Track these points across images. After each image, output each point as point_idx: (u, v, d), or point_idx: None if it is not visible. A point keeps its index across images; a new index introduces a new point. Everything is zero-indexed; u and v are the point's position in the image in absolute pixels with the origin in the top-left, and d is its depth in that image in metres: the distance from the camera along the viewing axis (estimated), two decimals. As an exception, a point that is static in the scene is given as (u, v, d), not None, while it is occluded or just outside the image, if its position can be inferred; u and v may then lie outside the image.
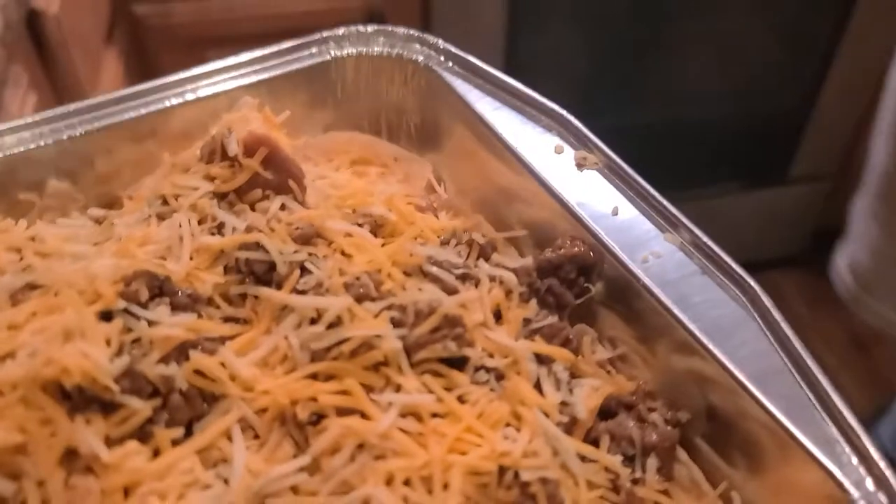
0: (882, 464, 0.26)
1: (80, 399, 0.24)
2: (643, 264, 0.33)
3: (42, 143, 0.39)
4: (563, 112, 0.40)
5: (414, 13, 1.12)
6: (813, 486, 0.27)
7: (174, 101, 0.41)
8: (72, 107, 0.40)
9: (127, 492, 0.24)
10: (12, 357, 0.25)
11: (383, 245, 0.33)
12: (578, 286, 0.34)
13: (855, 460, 0.27)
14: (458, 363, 0.29)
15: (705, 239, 0.33)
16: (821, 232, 1.12)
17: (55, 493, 0.23)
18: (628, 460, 0.29)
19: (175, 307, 0.28)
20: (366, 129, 0.44)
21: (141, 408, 0.25)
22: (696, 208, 0.40)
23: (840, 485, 0.26)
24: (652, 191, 0.36)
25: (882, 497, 0.26)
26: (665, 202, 0.35)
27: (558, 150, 0.38)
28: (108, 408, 0.25)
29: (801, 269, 1.26)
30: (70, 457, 0.24)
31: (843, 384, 0.98)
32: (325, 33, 0.44)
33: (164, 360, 0.26)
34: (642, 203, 0.36)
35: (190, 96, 0.41)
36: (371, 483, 0.25)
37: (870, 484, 0.26)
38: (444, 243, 0.35)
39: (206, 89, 0.41)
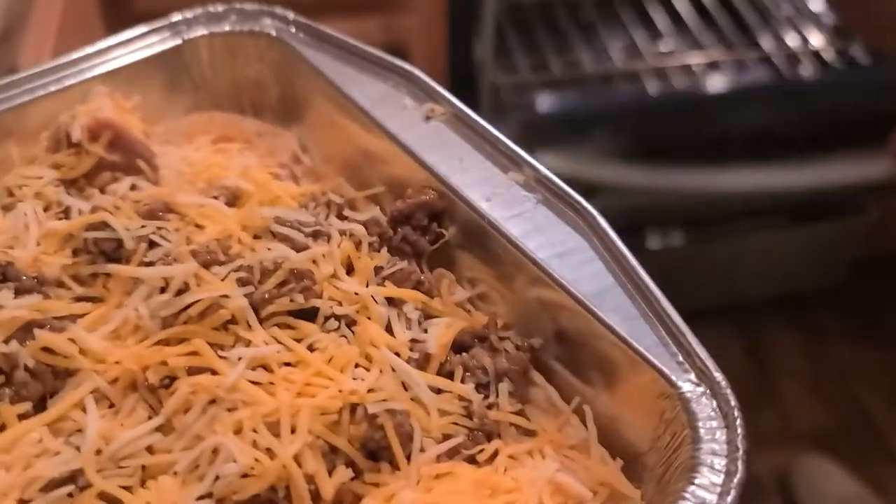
0: (703, 355, 0.28)
1: None
2: (487, 202, 0.34)
3: None
4: (410, 67, 0.41)
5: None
6: (649, 386, 0.29)
7: (25, 98, 0.41)
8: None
9: (-29, 468, 0.24)
10: None
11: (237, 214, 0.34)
12: (432, 232, 0.35)
13: (681, 358, 0.29)
14: (309, 315, 0.30)
15: (546, 172, 0.35)
16: (861, 264, 1.07)
17: None
18: (483, 388, 0.31)
19: (19, 291, 0.28)
20: (228, 108, 0.45)
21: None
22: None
23: (669, 380, 0.28)
24: (497, 134, 0.37)
25: (703, 387, 0.27)
26: (509, 143, 0.37)
27: (409, 106, 0.39)
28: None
29: (840, 304, 1.13)
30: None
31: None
32: (176, 17, 0.44)
33: (6, 340, 0.27)
34: (488, 147, 0.37)
35: (41, 91, 0.41)
36: (221, 434, 0.26)
37: (693, 377, 0.28)
38: (303, 207, 0.36)
39: (58, 83, 0.42)
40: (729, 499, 0.25)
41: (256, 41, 0.44)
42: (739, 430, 0.26)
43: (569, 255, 0.33)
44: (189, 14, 0.44)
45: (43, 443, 0.25)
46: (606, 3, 1.23)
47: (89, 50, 0.43)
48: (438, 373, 0.30)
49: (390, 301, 0.32)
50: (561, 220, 0.34)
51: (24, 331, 0.27)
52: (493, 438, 0.30)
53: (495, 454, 0.29)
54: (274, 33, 0.43)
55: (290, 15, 0.44)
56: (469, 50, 1.11)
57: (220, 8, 0.44)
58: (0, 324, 0.27)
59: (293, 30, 0.43)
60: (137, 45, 0.43)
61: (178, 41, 0.43)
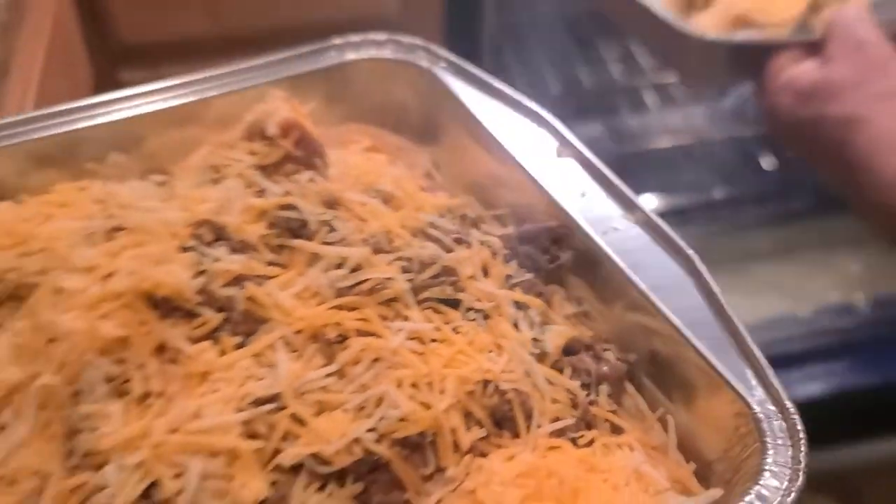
0: (777, 385, 0.34)
1: (167, 308, 0.32)
2: (604, 236, 0.41)
3: (100, 122, 0.46)
4: (542, 112, 0.47)
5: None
6: (727, 406, 0.35)
7: (213, 93, 0.48)
8: (127, 92, 0.48)
9: (202, 378, 0.31)
10: (113, 275, 0.32)
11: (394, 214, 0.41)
12: (551, 254, 0.42)
13: (758, 385, 0.35)
14: (453, 304, 0.37)
15: (656, 218, 0.41)
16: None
17: (151, 373, 0.30)
18: (585, 387, 0.37)
19: (232, 250, 0.35)
20: (375, 123, 0.52)
21: (213, 317, 0.32)
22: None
23: (746, 402, 0.34)
24: (615, 179, 0.44)
25: (771, 406, 0.33)
26: (625, 188, 0.43)
27: (538, 143, 0.46)
28: (188, 315, 0.32)
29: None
30: (160, 350, 0.31)
31: None
32: (338, 40, 0.51)
33: (227, 286, 0.33)
34: (606, 189, 0.43)
35: (225, 89, 0.49)
36: (384, 385, 0.32)
37: (769, 403, 0.34)
38: (441, 216, 0.43)
39: (238, 84, 0.49)
40: (789, 500, 0.31)
41: (409, 70, 0.51)
42: (803, 448, 0.32)
43: (668, 288, 0.39)
44: (353, 39, 0.52)
45: (251, 369, 0.32)
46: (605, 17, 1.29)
47: (263, 60, 0.50)
48: (551, 368, 0.37)
49: (517, 304, 0.38)
50: (664, 258, 0.40)
51: (236, 281, 0.34)
52: (592, 429, 0.36)
53: (591, 441, 0.35)
54: (425, 65, 0.50)
55: (442, 52, 0.51)
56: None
57: (381, 37, 0.52)
58: (219, 273, 0.34)
59: (443, 65, 0.50)
60: (306, 59, 0.50)
61: (343, 59, 0.51)
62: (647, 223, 0.41)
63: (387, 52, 0.51)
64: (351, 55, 0.51)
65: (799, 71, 0.60)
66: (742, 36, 0.66)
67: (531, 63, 1.20)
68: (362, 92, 0.51)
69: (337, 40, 0.51)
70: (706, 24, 0.69)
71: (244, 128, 0.43)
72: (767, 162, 1.11)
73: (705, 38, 0.65)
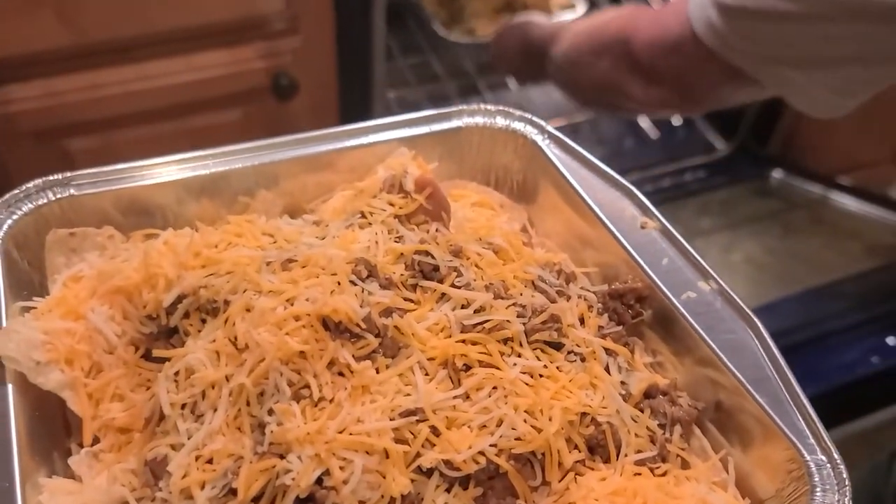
0: (828, 439, 0.41)
1: (338, 330, 0.39)
2: (682, 300, 0.48)
3: (246, 164, 0.54)
4: (631, 186, 0.55)
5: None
6: (783, 453, 0.41)
7: (348, 144, 0.56)
8: (275, 140, 0.56)
9: (363, 389, 0.38)
10: (295, 300, 0.39)
11: (504, 264, 0.48)
12: (634, 311, 0.49)
13: (811, 438, 0.41)
14: (557, 347, 0.44)
15: (727, 287, 0.48)
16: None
17: (324, 382, 0.38)
18: (661, 427, 0.44)
19: (381, 286, 0.43)
20: (480, 181, 0.60)
21: (372, 340, 0.40)
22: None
23: (800, 452, 0.41)
24: (693, 252, 0.51)
25: (822, 456, 0.40)
26: (701, 260, 0.50)
27: (624, 211, 0.53)
28: (353, 337, 0.40)
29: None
30: (331, 364, 0.39)
31: None
32: (454, 108, 0.59)
33: (380, 315, 0.41)
34: (684, 259, 0.50)
35: (355, 142, 0.57)
36: (504, 408, 0.40)
37: (818, 452, 0.41)
38: (544, 270, 0.50)
39: (369, 138, 0.57)
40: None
41: (515, 137, 0.58)
42: (848, 493, 0.39)
43: (734, 349, 0.46)
44: (466, 107, 0.60)
45: (398, 385, 0.39)
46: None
47: (389, 120, 0.58)
48: (634, 408, 0.44)
49: (607, 351, 0.45)
50: (733, 321, 0.47)
51: (385, 312, 0.42)
52: (666, 462, 0.43)
53: (665, 472, 0.42)
54: (529, 135, 0.58)
55: (545, 125, 0.58)
56: (361, 67, 1.18)
57: (492, 107, 0.59)
58: (374, 304, 0.41)
59: (545, 136, 0.58)
60: (428, 122, 0.58)
61: (459, 124, 0.58)
62: (719, 291, 0.48)
63: (498, 121, 0.59)
64: (466, 120, 0.59)
65: None
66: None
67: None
68: (472, 153, 0.59)
69: (453, 108, 0.59)
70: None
71: (383, 179, 0.51)
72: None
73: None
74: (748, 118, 1.59)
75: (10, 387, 0.40)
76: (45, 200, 0.49)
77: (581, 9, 1.37)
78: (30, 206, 0.48)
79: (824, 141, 1.68)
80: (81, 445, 0.41)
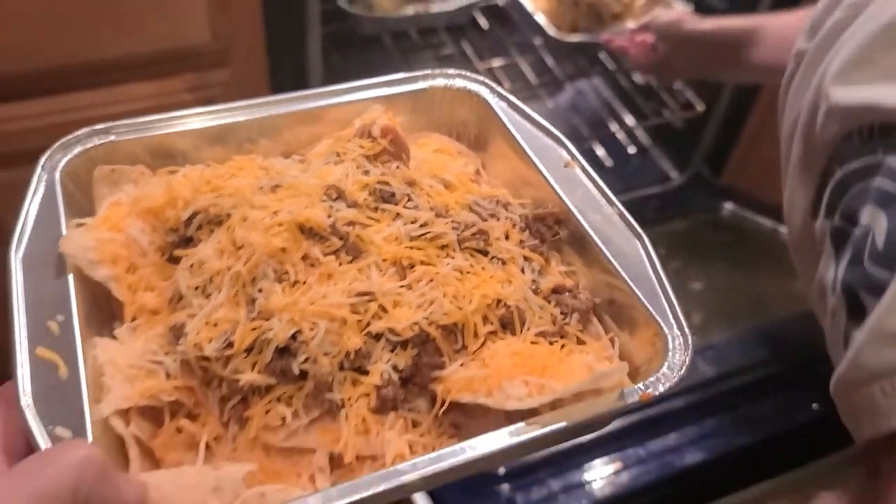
0: (682, 318, 0.53)
1: (311, 234, 0.52)
2: (590, 220, 0.60)
3: (251, 117, 0.68)
4: (561, 136, 0.67)
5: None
6: (651, 332, 0.54)
7: (333, 101, 0.69)
8: (275, 97, 0.69)
9: (328, 277, 0.52)
10: (279, 212, 0.53)
11: (450, 194, 0.61)
12: (553, 230, 0.62)
13: (671, 317, 0.54)
14: (483, 253, 0.57)
15: (624, 211, 0.61)
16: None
17: (300, 270, 0.51)
18: (563, 315, 0.57)
19: (347, 205, 0.56)
20: (443, 133, 0.72)
21: (336, 242, 0.53)
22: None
23: (661, 328, 0.53)
24: (601, 184, 0.63)
25: (677, 331, 0.53)
26: (606, 189, 0.63)
27: (552, 154, 0.66)
28: (322, 240, 0.53)
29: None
30: (305, 258, 0.52)
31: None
32: (426, 72, 0.72)
33: (345, 226, 0.54)
34: (595, 189, 0.63)
35: (339, 100, 0.70)
36: (436, 294, 0.53)
37: (675, 329, 0.53)
38: (483, 199, 0.63)
39: (348, 97, 0.70)
40: (674, 381, 0.50)
41: (471, 97, 0.71)
42: (690, 352, 0.51)
43: (628, 257, 0.58)
44: (431, 71, 0.72)
45: (356, 276, 0.53)
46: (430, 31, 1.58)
47: (367, 82, 0.71)
48: (543, 300, 0.57)
49: (525, 258, 0.58)
50: (627, 238, 0.60)
51: (350, 224, 0.55)
52: (563, 339, 0.56)
53: (563, 346, 0.55)
54: (482, 95, 0.71)
55: (495, 86, 0.71)
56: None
57: (453, 71, 0.72)
58: (341, 217, 0.55)
59: (495, 95, 0.70)
60: (397, 84, 0.71)
61: (426, 85, 0.71)
62: (619, 214, 0.61)
63: (458, 83, 0.72)
64: (431, 82, 0.72)
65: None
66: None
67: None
68: (436, 110, 0.72)
69: (420, 73, 0.72)
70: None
71: (356, 128, 0.64)
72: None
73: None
74: (702, 148, 1.64)
75: (70, 276, 0.53)
76: (92, 144, 0.62)
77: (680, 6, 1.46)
78: (80, 148, 0.62)
79: (776, 168, 1.70)
80: (123, 323, 0.55)
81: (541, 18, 1.49)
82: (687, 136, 1.65)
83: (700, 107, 1.62)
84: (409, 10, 1.47)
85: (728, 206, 1.59)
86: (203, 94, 1.11)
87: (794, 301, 1.33)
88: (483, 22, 1.64)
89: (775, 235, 1.54)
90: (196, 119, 0.66)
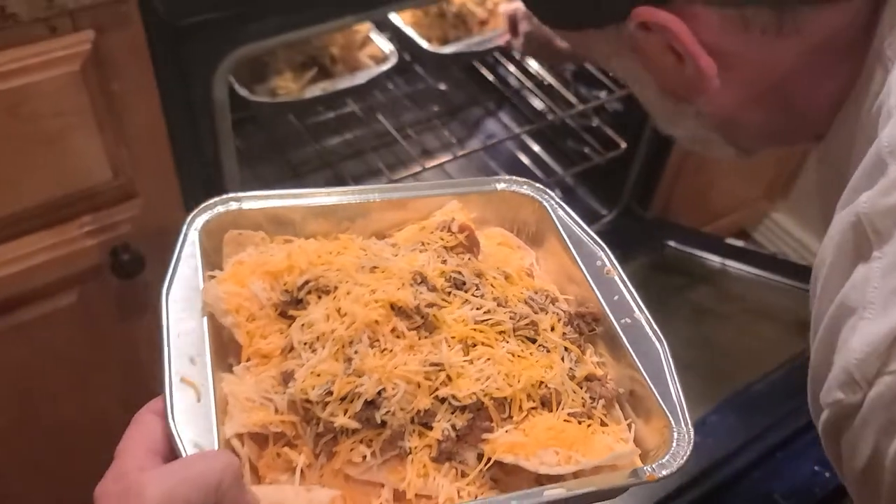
0: (686, 414, 0.66)
1: (399, 311, 0.66)
2: (621, 323, 0.73)
3: (351, 200, 0.82)
4: (602, 244, 0.81)
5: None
6: (663, 424, 0.67)
7: (419, 193, 0.83)
8: (369, 187, 0.83)
9: (410, 348, 0.65)
10: (375, 290, 0.66)
11: (510, 286, 0.75)
12: (590, 326, 0.75)
13: (679, 414, 0.66)
14: (532, 341, 0.70)
15: (650, 317, 0.74)
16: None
17: (388, 340, 0.64)
18: (592, 399, 0.69)
19: (427, 289, 0.70)
20: (507, 229, 0.86)
21: (419, 320, 0.66)
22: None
23: (670, 422, 0.66)
24: (633, 292, 0.76)
25: (683, 426, 0.65)
26: (637, 297, 0.76)
27: (598, 262, 0.79)
28: (407, 317, 0.66)
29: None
30: (393, 331, 0.65)
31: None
32: (498, 177, 0.86)
33: (426, 307, 0.68)
34: (629, 296, 0.76)
35: (423, 193, 0.84)
36: (492, 370, 0.66)
37: (682, 423, 0.66)
38: (536, 293, 0.76)
39: (434, 191, 0.84)
40: (675, 466, 0.62)
41: (533, 202, 0.85)
42: (690, 445, 0.64)
43: (649, 358, 0.71)
44: (501, 176, 0.86)
45: (430, 349, 0.66)
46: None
47: (449, 181, 0.85)
48: (576, 385, 0.70)
49: (566, 349, 0.71)
50: (650, 341, 0.72)
51: (429, 305, 0.68)
52: (590, 419, 0.68)
53: (590, 425, 0.68)
54: (542, 201, 0.84)
55: (552, 194, 0.85)
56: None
57: (521, 179, 0.86)
58: (422, 299, 0.68)
59: (553, 202, 0.84)
60: (472, 185, 0.85)
61: (496, 188, 0.85)
62: (646, 320, 0.74)
63: (523, 189, 0.85)
64: (500, 186, 0.85)
65: None
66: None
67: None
68: (504, 209, 0.86)
69: (493, 178, 0.86)
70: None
71: (438, 222, 0.78)
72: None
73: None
74: (629, 183, 1.63)
75: (205, 319, 0.67)
76: (224, 209, 0.77)
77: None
78: (215, 211, 0.76)
79: (701, 190, 1.67)
80: (238, 362, 0.69)
81: (411, 32, 1.45)
82: (611, 174, 1.64)
83: (623, 144, 1.63)
84: (316, 90, 1.38)
85: (671, 244, 1.56)
86: (109, 237, 1.06)
87: (772, 350, 1.33)
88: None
89: (726, 273, 1.50)
90: (307, 197, 0.80)
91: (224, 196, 0.77)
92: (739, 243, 1.60)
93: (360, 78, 1.40)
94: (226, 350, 0.70)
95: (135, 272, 1.08)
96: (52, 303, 1.11)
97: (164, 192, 1.11)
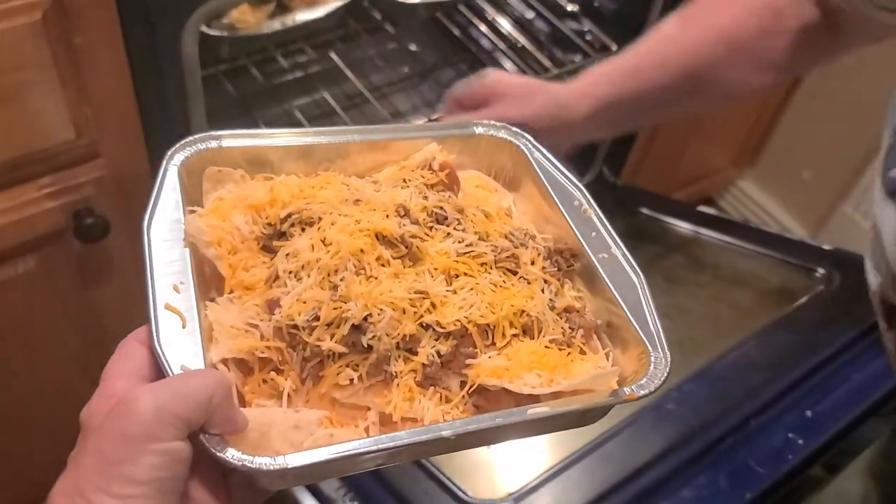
0: (664, 341, 0.68)
1: (384, 241, 0.67)
2: (598, 258, 0.75)
3: (330, 141, 0.82)
4: (580, 184, 0.82)
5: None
6: (640, 352, 0.68)
7: (398, 135, 0.84)
8: (348, 128, 0.84)
9: (395, 276, 0.66)
10: (360, 221, 0.67)
11: (489, 223, 0.76)
12: (569, 262, 0.76)
13: (657, 340, 0.68)
14: (514, 273, 0.71)
15: (627, 253, 0.75)
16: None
17: (373, 268, 0.65)
18: (571, 329, 0.71)
19: (410, 222, 0.70)
20: (483, 172, 0.87)
21: (403, 250, 0.67)
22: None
23: (648, 349, 0.68)
24: (610, 228, 0.78)
25: (660, 352, 0.67)
26: (614, 233, 0.77)
27: (575, 202, 0.80)
28: (392, 246, 0.67)
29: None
30: (378, 259, 0.66)
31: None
32: (476, 121, 0.87)
33: (410, 238, 0.69)
34: (605, 232, 0.78)
35: (402, 135, 0.84)
36: (475, 299, 0.67)
37: (658, 349, 0.68)
38: (515, 231, 0.77)
39: (412, 134, 0.85)
40: (653, 388, 0.64)
41: (510, 145, 0.86)
42: (667, 370, 0.66)
43: (626, 291, 0.73)
44: (480, 121, 0.87)
45: (415, 278, 0.67)
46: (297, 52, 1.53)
47: (427, 123, 0.86)
48: (556, 315, 0.71)
49: (545, 281, 0.73)
50: (627, 275, 0.74)
51: (412, 237, 0.69)
52: (570, 348, 0.70)
53: (569, 354, 0.69)
54: (517, 144, 0.86)
55: (530, 138, 0.86)
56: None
57: (497, 123, 0.87)
58: (408, 232, 0.69)
59: (530, 145, 0.85)
60: (451, 128, 0.86)
61: (474, 131, 0.86)
62: (623, 255, 0.76)
63: (500, 133, 0.86)
64: (478, 129, 0.86)
65: None
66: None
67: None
68: (480, 154, 0.87)
69: (471, 121, 0.87)
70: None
71: (419, 161, 0.79)
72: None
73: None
74: (602, 149, 1.63)
75: (188, 250, 0.67)
76: (204, 147, 0.76)
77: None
78: (194, 149, 0.76)
79: (672, 158, 1.68)
80: (221, 294, 0.69)
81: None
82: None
83: (615, 47, 1.56)
84: (275, 24, 1.33)
85: (644, 211, 1.55)
86: (72, 199, 1.03)
87: (746, 318, 1.34)
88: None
89: (699, 241, 1.50)
90: (286, 137, 0.80)
91: (203, 134, 0.77)
92: (711, 211, 1.60)
93: (319, 12, 1.36)
94: (207, 284, 0.70)
95: (99, 236, 1.05)
96: (10, 268, 1.08)
97: (130, 153, 1.08)
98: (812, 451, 1.15)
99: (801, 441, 1.17)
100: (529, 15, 1.69)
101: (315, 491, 1.03)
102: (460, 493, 1.03)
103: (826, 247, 1.43)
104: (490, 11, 1.69)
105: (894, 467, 1.00)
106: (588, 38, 1.59)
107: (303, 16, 1.36)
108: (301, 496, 1.03)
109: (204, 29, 1.20)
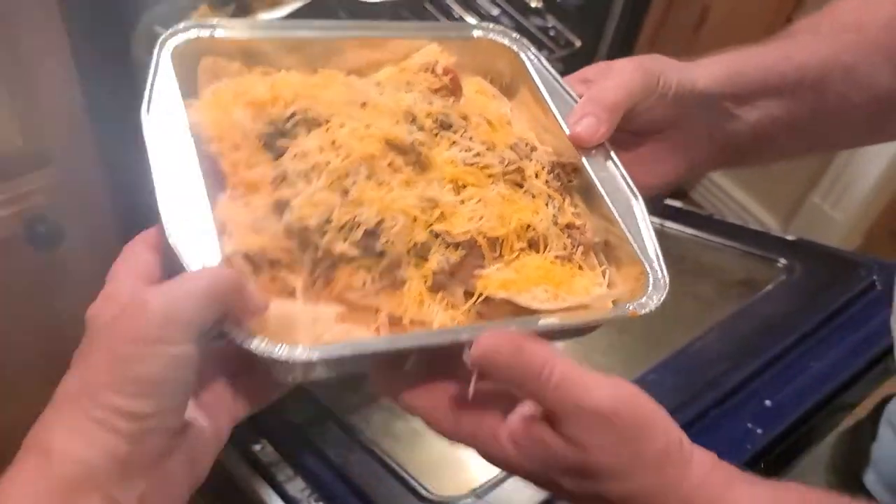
0: (662, 262, 0.69)
1: (394, 146, 0.65)
2: (598, 175, 0.75)
3: (325, 35, 0.79)
4: (577, 97, 0.81)
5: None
6: (637, 271, 0.70)
7: (397, 33, 0.81)
8: (345, 22, 0.80)
9: (406, 183, 0.65)
10: (370, 126, 0.65)
11: (494, 132, 0.75)
12: (569, 177, 0.76)
13: (655, 261, 0.70)
14: (520, 186, 0.71)
15: (624, 171, 0.76)
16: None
17: (384, 174, 0.64)
18: (573, 245, 0.72)
19: (417, 128, 0.69)
20: (481, 77, 0.85)
21: (413, 157, 0.66)
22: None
23: (646, 267, 0.69)
24: (608, 145, 0.78)
25: (658, 270, 0.68)
26: (612, 150, 0.77)
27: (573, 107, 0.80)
28: (401, 152, 0.66)
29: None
30: (389, 165, 0.65)
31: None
32: (476, 23, 0.84)
33: (418, 145, 0.67)
34: (605, 149, 0.78)
35: (400, 33, 0.82)
36: (484, 210, 0.67)
37: (657, 269, 0.69)
38: (518, 140, 0.77)
39: (410, 32, 0.82)
40: (652, 306, 0.66)
41: (508, 51, 0.84)
42: (666, 290, 0.67)
43: (625, 210, 0.74)
44: (478, 23, 0.85)
45: (424, 187, 0.66)
46: None
47: (427, 23, 0.83)
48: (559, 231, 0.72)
49: (549, 195, 0.73)
50: (625, 193, 0.75)
51: (420, 143, 0.68)
52: (570, 263, 0.71)
53: (570, 269, 0.70)
54: (515, 48, 0.84)
55: (530, 45, 0.84)
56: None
57: (498, 27, 0.85)
58: (417, 139, 0.67)
59: (529, 53, 0.84)
60: (452, 29, 0.84)
61: (474, 34, 0.84)
62: (622, 175, 0.76)
63: (497, 37, 0.84)
64: (477, 33, 0.84)
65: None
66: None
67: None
68: (479, 58, 0.85)
69: (472, 24, 0.84)
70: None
71: (421, 63, 0.77)
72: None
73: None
74: None
75: (192, 140, 0.65)
76: (196, 34, 0.73)
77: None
78: (186, 37, 0.72)
79: None
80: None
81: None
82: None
83: (578, 43, 1.56)
84: None
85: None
86: (23, 207, 0.99)
87: (708, 309, 1.35)
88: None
89: (664, 233, 1.51)
90: (283, 30, 0.77)
91: (196, 22, 0.73)
92: (678, 204, 1.59)
93: (281, 12, 1.22)
94: (206, 180, 0.68)
95: (54, 244, 1.01)
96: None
97: (82, 160, 1.03)
98: (770, 440, 1.16)
99: (759, 430, 1.18)
100: (495, 12, 1.64)
101: (280, 491, 1.02)
102: (423, 492, 1.03)
103: (789, 237, 1.44)
104: (457, 9, 1.63)
105: (853, 459, 1.01)
106: (552, 34, 1.57)
107: (264, 17, 1.31)
108: (267, 495, 1.04)
109: (158, 29, 1.14)
